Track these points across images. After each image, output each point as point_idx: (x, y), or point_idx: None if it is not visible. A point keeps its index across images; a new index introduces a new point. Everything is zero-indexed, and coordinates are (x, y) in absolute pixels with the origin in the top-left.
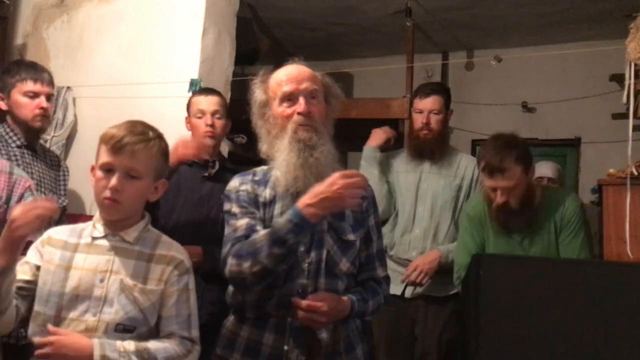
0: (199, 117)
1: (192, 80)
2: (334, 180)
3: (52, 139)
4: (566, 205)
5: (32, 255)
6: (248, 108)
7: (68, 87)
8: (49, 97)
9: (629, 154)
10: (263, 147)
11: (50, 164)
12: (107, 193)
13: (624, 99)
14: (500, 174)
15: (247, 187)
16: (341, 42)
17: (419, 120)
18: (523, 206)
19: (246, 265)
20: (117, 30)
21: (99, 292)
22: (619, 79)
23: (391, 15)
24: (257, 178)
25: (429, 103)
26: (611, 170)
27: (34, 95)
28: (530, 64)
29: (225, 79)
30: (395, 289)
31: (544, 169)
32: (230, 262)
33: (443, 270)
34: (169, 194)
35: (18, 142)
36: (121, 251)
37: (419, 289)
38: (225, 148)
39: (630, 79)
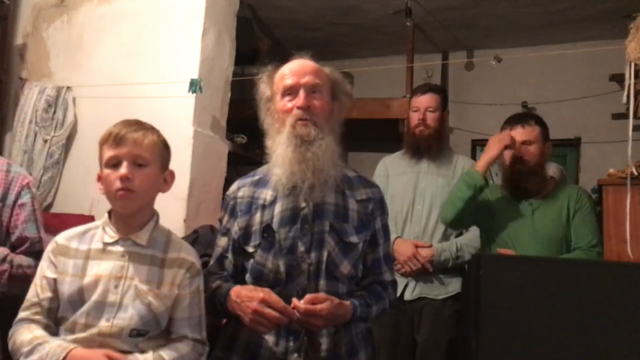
0: None
1: (192, 80)
2: (252, 304)
3: (52, 139)
4: (580, 192)
5: (46, 267)
6: (255, 104)
7: (68, 87)
8: None
9: (629, 154)
10: (268, 142)
11: None
12: (118, 183)
13: (624, 99)
14: (522, 125)
15: (244, 192)
16: (341, 42)
17: (415, 117)
18: (536, 169)
19: None
20: (117, 30)
21: (113, 297)
22: (619, 79)
23: (391, 15)
24: (257, 178)
25: (425, 100)
26: (611, 170)
27: None
28: (530, 64)
29: (225, 79)
30: None
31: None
32: None
33: (442, 271)
34: None
35: None
36: (134, 257)
37: (417, 291)
38: (225, 148)
39: (630, 79)
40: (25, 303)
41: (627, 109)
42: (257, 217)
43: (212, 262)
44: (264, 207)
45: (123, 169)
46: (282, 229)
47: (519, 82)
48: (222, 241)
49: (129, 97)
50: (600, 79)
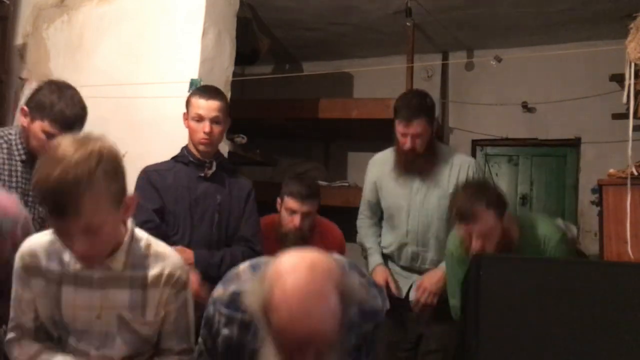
0: (197, 121)
1: (192, 80)
2: None
3: None
4: (546, 242)
5: (21, 289)
6: (254, 105)
7: None
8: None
9: (629, 154)
10: (253, 305)
11: None
12: (78, 256)
13: (624, 99)
14: (473, 220)
15: (231, 331)
16: (341, 42)
17: (402, 142)
18: (500, 252)
19: None
20: (117, 30)
21: (97, 328)
22: (619, 79)
23: (391, 15)
24: (247, 318)
25: (411, 129)
26: (611, 170)
27: (50, 136)
28: (530, 64)
29: (225, 79)
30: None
31: None
32: None
33: None
34: (164, 194)
35: (23, 157)
36: (112, 283)
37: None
38: (225, 148)
39: (630, 79)
40: (11, 323)
41: (627, 109)
42: None
43: None
44: (251, 356)
45: (80, 248)
46: None
47: (519, 82)
48: None
49: (129, 97)
50: (600, 79)
